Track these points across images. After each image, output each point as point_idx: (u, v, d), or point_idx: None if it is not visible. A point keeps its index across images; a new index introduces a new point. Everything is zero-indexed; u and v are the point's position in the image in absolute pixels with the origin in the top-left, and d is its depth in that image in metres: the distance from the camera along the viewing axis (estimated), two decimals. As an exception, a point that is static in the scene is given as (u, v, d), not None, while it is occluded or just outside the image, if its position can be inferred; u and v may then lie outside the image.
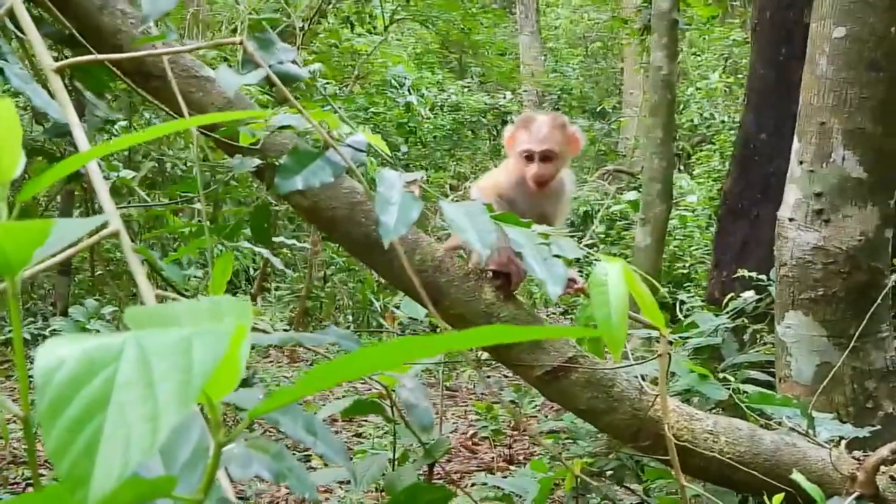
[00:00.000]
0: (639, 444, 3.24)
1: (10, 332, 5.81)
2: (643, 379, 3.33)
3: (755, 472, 3.16)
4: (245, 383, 5.83)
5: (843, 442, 3.39)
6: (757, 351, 5.02)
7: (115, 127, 7.81)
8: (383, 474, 3.60)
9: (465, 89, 18.58)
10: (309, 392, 0.87)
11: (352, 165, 2.08)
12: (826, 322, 4.10)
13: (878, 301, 4.06)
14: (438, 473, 3.51)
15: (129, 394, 0.71)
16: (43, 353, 0.72)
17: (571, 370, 3.10)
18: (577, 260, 2.05)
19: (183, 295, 3.00)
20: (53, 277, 8.90)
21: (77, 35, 2.93)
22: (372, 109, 13.71)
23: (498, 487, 4.68)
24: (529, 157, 3.23)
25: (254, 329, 2.26)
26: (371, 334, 9.96)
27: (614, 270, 1.72)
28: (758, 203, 6.75)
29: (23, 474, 5.89)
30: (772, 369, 4.44)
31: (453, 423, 7.36)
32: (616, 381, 3.15)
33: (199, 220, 2.72)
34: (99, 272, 9.49)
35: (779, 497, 2.94)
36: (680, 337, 4.98)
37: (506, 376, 7.68)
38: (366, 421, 7.07)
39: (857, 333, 4.02)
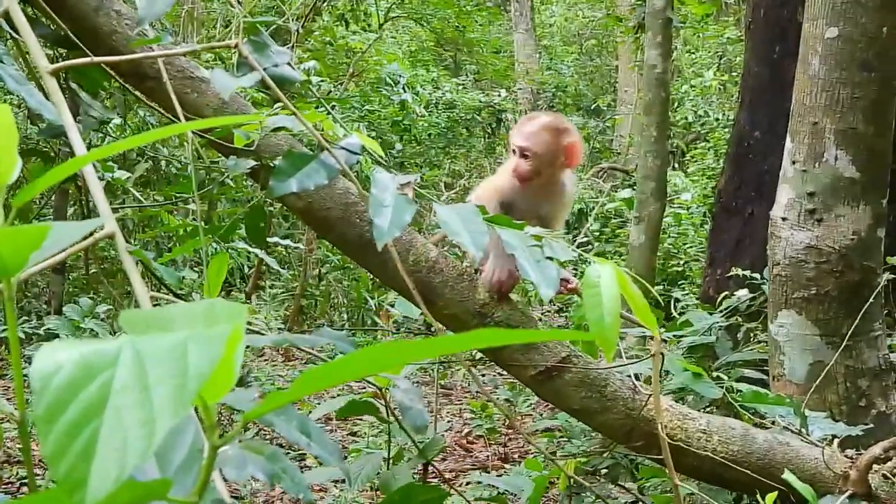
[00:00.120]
0: (632, 444, 3.25)
1: (4, 331, 5.81)
2: (637, 378, 3.34)
3: (748, 471, 3.18)
4: (240, 382, 5.84)
5: (836, 440, 3.40)
6: (751, 349, 5.03)
7: (110, 126, 7.82)
8: (378, 473, 3.61)
9: (460, 87, 18.58)
10: (304, 394, 0.88)
11: (346, 168, 2.09)
12: (819, 321, 4.11)
13: (871, 300, 4.07)
14: (433, 472, 3.52)
15: (125, 398, 0.71)
16: (41, 357, 0.73)
17: (565, 370, 3.11)
18: (573, 259, 2.06)
19: (178, 295, 3.01)
20: (48, 276, 8.89)
21: (72, 36, 2.93)
22: (367, 107, 13.71)
23: (493, 486, 4.69)
24: (514, 151, 3.27)
25: (249, 329, 2.27)
26: (366, 333, 9.97)
27: (606, 272, 1.73)
28: (752, 201, 6.76)
29: (17, 474, 5.89)
30: (765, 368, 4.45)
31: (448, 421, 7.38)
32: (609, 381, 3.16)
33: (194, 220, 2.73)
34: (93, 271, 9.48)
35: (772, 496, 2.95)
36: (674, 335, 4.99)
37: (500, 375, 7.69)
38: (360, 420, 7.07)
39: (849, 332, 4.04)
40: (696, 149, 15.28)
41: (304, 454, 6.13)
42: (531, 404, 7.14)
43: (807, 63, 4.16)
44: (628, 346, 6.39)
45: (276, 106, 2.36)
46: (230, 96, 2.45)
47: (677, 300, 6.37)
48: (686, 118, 16.09)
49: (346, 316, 10.63)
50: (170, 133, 1.07)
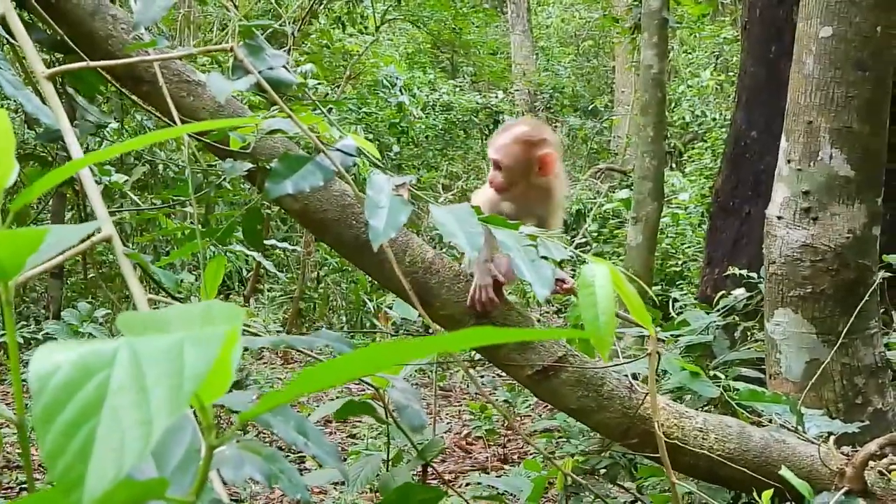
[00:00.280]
0: (629, 442, 3.26)
1: (2, 336, 5.81)
2: (636, 377, 3.35)
3: (745, 469, 3.19)
4: (238, 385, 5.83)
5: (832, 438, 3.42)
6: (748, 348, 5.04)
7: (107, 130, 7.82)
8: (377, 475, 3.62)
9: (457, 89, 18.58)
10: (300, 394, 0.89)
11: (341, 170, 2.10)
12: (815, 319, 4.12)
13: (867, 298, 4.08)
14: (433, 474, 3.52)
15: (122, 398, 0.72)
16: (38, 358, 0.73)
17: (562, 369, 3.12)
18: (570, 259, 2.07)
19: (176, 298, 3.01)
20: (46, 280, 8.90)
21: (69, 41, 2.94)
22: (364, 110, 13.71)
23: (492, 487, 4.70)
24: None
25: (246, 331, 2.28)
26: (365, 335, 9.97)
27: (601, 272, 1.74)
28: (749, 200, 6.77)
29: (17, 479, 5.89)
30: (763, 366, 4.46)
31: (447, 422, 7.38)
32: (606, 380, 3.17)
33: (192, 224, 2.74)
34: (91, 275, 9.49)
35: (768, 493, 2.96)
36: (671, 335, 5.00)
37: (499, 376, 7.69)
38: (360, 422, 7.08)
39: (845, 330, 4.05)
40: (693, 149, 15.29)
41: (304, 458, 6.14)
42: (530, 405, 7.15)
43: (801, 62, 4.18)
44: (626, 345, 6.40)
45: (273, 108, 2.37)
46: (226, 100, 2.46)
47: (675, 300, 6.37)
48: (683, 118, 16.11)
49: (344, 318, 10.63)
50: (166, 136, 1.08)
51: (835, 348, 4.03)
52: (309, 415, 3.89)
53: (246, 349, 5.88)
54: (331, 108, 8.08)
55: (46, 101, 1.65)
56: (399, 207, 1.92)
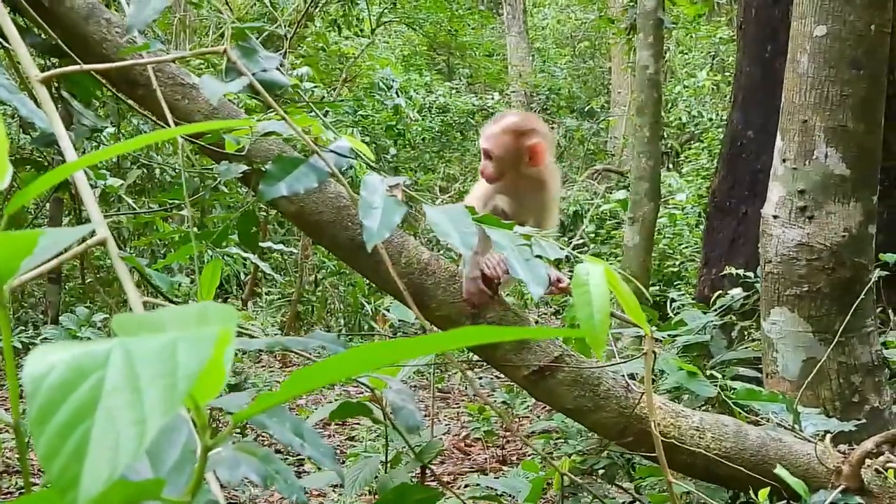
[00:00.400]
0: (626, 442, 3.27)
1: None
2: (634, 377, 3.35)
3: (741, 468, 3.19)
4: (236, 388, 5.82)
5: (829, 436, 3.42)
6: (745, 348, 5.04)
7: (104, 134, 7.82)
8: (376, 477, 3.62)
9: (454, 91, 18.60)
10: (295, 394, 0.89)
11: (335, 171, 2.10)
12: (811, 318, 4.13)
13: (863, 296, 4.09)
14: (431, 475, 3.53)
15: (116, 399, 0.72)
16: (32, 359, 0.74)
17: (558, 370, 3.13)
18: (568, 259, 2.07)
19: (172, 302, 3.02)
20: (44, 285, 8.89)
21: (63, 45, 2.95)
22: (360, 112, 13.72)
23: (490, 488, 4.70)
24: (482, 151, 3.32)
25: (243, 334, 2.28)
26: (363, 337, 9.96)
27: (596, 271, 1.74)
28: (746, 200, 6.78)
29: (16, 483, 5.89)
30: (760, 365, 4.46)
31: (446, 424, 7.38)
32: (602, 380, 3.18)
33: (188, 227, 2.74)
34: (89, 280, 9.49)
35: (765, 492, 2.97)
36: (669, 335, 5.00)
37: (497, 377, 7.69)
38: (358, 424, 7.08)
39: (841, 328, 4.05)
40: (690, 149, 15.30)
41: (303, 460, 6.14)
42: (528, 406, 7.14)
43: (796, 61, 4.18)
44: (624, 345, 6.40)
45: (269, 111, 2.37)
46: (220, 102, 2.47)
47: (673, 300, 6.37)
48: (680, 119, 16.12)
49: (342, 321, 10.63)
50: (160, 138, 1.09)
51: (831, 347, 4.04)
52: (307, 417, 3.89)
53: (244, 352, 5.90)
54: (327, 111, 8.08)
55: (41, 105, 1.66)
56: (393, 208, 1.92)
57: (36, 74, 1.67)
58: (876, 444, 3.26)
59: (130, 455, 0.70)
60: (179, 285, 7.47)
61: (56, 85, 3.20)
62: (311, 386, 0.86)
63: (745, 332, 5.25)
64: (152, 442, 0.71)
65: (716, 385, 3.68)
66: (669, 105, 16.21)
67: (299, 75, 10.00)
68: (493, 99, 18.58)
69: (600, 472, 4.42)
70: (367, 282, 9.44)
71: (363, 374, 2.13)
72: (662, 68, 10.12)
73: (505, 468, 6.32)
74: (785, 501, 3.19)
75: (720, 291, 5.55)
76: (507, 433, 6.95)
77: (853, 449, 3.29)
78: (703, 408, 4.02)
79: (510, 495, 4.72)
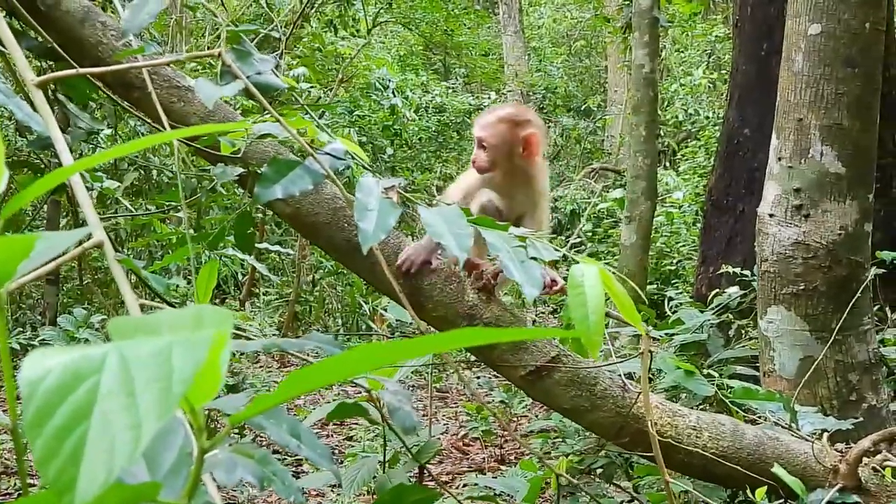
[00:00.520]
0: (623, 441, 3.27)
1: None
2: (631, 377, 3.35)
3: (739, 467, 3.19)
4: (234, 389, 5.81)
5: (826, 435, 3.42)
6: (742, 346, 5.05)
7: (100, 136, 7.83)
8: (374, 477, 3.62)
9: (450, 90, 18.61)
10: (292, 395, 0.89)
11: (330, 173, 2.11)
12: (808, 316, 4.13)
13: (859, 294, 4.09)
14: (429, 475, 3.53)
15: (111, 402, 0.73)
16: (29, 363, 0.74)
17: (555, 370, 3.13)
18: (565, 259, 2.07)
19: (170, 304, 3.02)
20: (42, 287, 8.88)
21: (58, 49, 2.95)
22: (357, 112, 13.72)
23: (488, 487, 4.70)
24: (475, 141, 3.30)
25: (240, 335, 2.29)
26: (360, 337, 9.96)
27: (591, 272, 1.75)
28: (742, 198, 6.79)
29: (15, 485, 5.89)
30: (757, 364, 4.47)
31: (444, 424, 7.38)
32: (599, 380, 3.18)
33: (185, 229, 2.75)
34: (87, 281, 9.48)
35: (762, 490, 2.97)
36: (666, 334, 5.01)
37: (495, 377, 7.70)
38: (356, 424, 7.08)
39: (838, 327, 4.06)
40: (686, 147, 15.31)
41: (301, 461, 6.14)
42: (526, 406, 7.15)
43: (791, 60, 4.19)
44: (622, 345, 6.41)
45: (264, 113, 2.38)
46: (215, 105, 2.47)
47: (670, 299, 6.38)
48: (676, 117, 16.13)
49: (340, 321, 10.62)
50: (154, 142, 1.09)
51: (828, 345, 4.04)
52: (305, 418, 3.89)
53: (242, 353, 5.89)
54: (323, 112, 8.08)
55: (37, 108, 1.66)
56: (388, 210, 1.93)
57: (32, 78, 1.68)
58: (873, 442, 3.26)
59: (126, 458, 0.71)
60: (177, 287, 7.48)
61: (52, 88, 3.20)
62: (309, 387, 0.86)
63: (743, 331, 5.26)
64: (148, 444, 0.72)
65: (713, 384, 3.69)
66: (666, 103, 16.22)
67: (296, 76, 10.01)
68: (489, 98, 18.58)
69: (598, 471, 4.43)
70: (365, 282, 9.44)
71: (360, 375, 2.13)
72: (658, 66, 10.14)
73: (503, 467, 6.33)
74: (782, 500, 3.19)
75: (717, 290, 5.57)
76: (505, 432, 6.95)
77: (850, 447, 3.30)
78: (701, 407, 4.03)
79: (508, 495, 4.72)
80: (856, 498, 3.17)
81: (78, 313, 6.23)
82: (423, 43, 21.51)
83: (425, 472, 3.49)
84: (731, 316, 5.37)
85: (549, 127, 19.81)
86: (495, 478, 5.36)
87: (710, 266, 7.02)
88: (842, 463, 3.21)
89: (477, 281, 3.11)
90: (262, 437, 6.21)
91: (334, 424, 7.19)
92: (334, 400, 6.51)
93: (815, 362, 4.02)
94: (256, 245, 4.86)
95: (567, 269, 1.87)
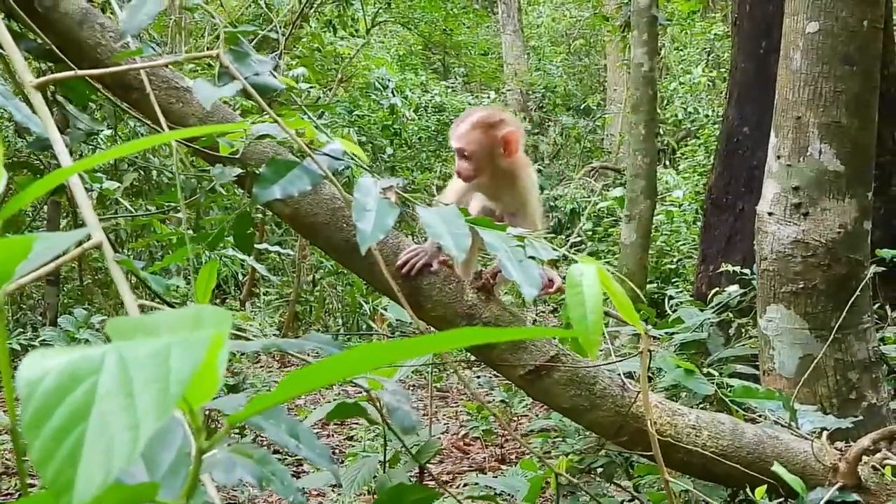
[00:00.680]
0: (622, 441, 3.27)
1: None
2: (631, 376, 3.35)
3: (738, 466, 3.19)
4: (235, 389, 5.81)
5: (826, 433, 3.42)
6: (742, 345, 5.05)
7: (100, 137, 7.83)
8: (374, 477, 3.62)
9: (449, 90, 18.60)
10: (291, 395, 0.89)
11: (328, 174, 2.11)
12: (808, 315, 4.13)
13: (858, 292, 4.09)
14: (429, 475, 3.53)
15: (110, 403, 0.73)
16: (27, 364, 0.74)
17: (554, 369, 3.13)
18: (565, 258, 2.07)
19: (170, 304, 3.02)
20: (42, 287, 8.88)
21: (57, 50, 2.95)
22: (356, 112, 13.72)
23: (489, 487, 4.71)
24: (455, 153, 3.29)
25: (241, 335, 2.29)
26: (361, 337, 9.96)
27: (589, 271, 1.75)
28: (742, 196, 6.79)
29: (15, 485, 5.90)
30: (757, 362, 4.47)
31: (445, 423, 7.38)
32: (598, 379, 3.18)
33: (184, 229, 2.75)
34: (87, 281, 9.49)
35: (762, 489, 2.97)
36: (666, 333, 5.01)
37: (496, 376, 7.70)
38: (357, 424, 7.08)
39: (838, 325, 4.06)
40: (686, 146, 15.31)
41: (301, 461, 6.15)
42: (527, 405, 7.15)
43: (789, 58, 4.19)
44: (622, 344, 6.41)
45: (263, 114, 2.38)
46: (214, 105, 2.47)
47: (671, 297, 6.39)
48: (676, 115, 16.13)
49: (340, 321, 10.62)
50: (153, 143, 1.09)
51: (827, 343, 4.04)
52: (305, 418, 3.90)
53: (242, 353, 5.90)
54: (322, 112, 8.07)
55: (35, 110, 1.66)
56: (386, 210, 1.93)
57: (31, 80, 1.68)
58: (873, 440, 3.26)
59: (124, 459, 0.71)
60: (177, 287, 7.48)
61: (51, 90, 3.21)
62: (308, 387, 0.86)
63: (743, 330, 5.26)
64: (147, 445, 0.72)
65: (713, 383, 3.69)
66: (665, 102, 16.21)
67: (295, 76, 10.01)
68: (488, 97, 18.58)
69: (598, 470, 4.43)
70: (365, 282, 9.44)
71: (360, 375, 2.13)
72: (657, 65, 10.14)
73: (504, 467, 6.33)
74: (782, 499, 3.20)
75: (717, 288, 5.57)
76: (506, 432, 6.96)
77: (850, 446, 3.30)
78: (701, 406, 4.03)
79: (509, 494, 4.73)
80: (855, 496, 3.17)
81: (78, 314, 6.23)
82: (422, 42, 21.51)
83: (426, 471, 3.49)
84: (730, 314, 5.37)
85: (548, 126, 19.84)
86: (496, 477, 5.36)
87: (710, 264, 7.02)
88: (841, 461, 3.21)
89: (476, 280, 3.11)
90: (263, 437, 6.21)
91: (335, 424, 7.20)
92: (335, 400, 6.51)
93: (815, 361, 4.02)
94: (256, 245, 4.86)
95: (567, 269, 1.88)
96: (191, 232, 2.56)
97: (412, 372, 7.35)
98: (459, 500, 3.23)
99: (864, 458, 3.24)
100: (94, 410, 0.73)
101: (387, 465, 3.72)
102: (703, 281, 7.04)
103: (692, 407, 3.64)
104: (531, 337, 3.17)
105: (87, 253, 1.41)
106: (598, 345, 1.82)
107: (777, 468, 3.01)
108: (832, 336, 4.04)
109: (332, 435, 7.15)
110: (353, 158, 2.27)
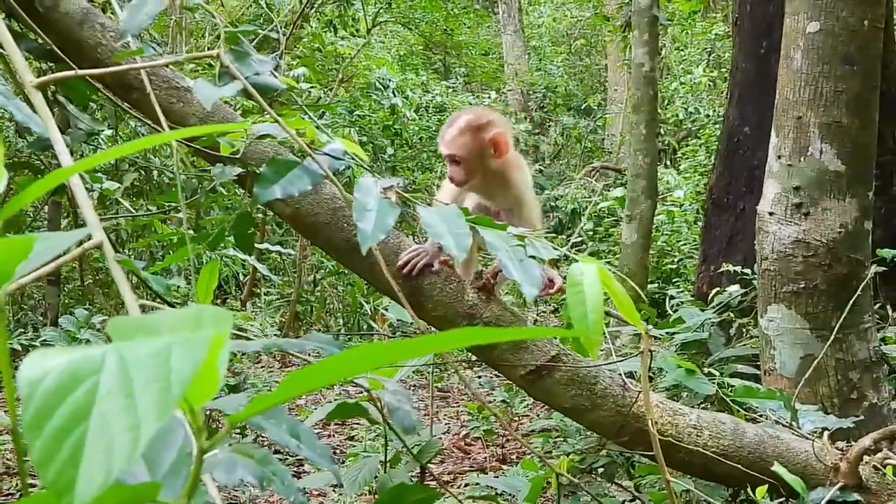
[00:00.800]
0: (623, 441, 3.27)
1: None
2: (632, 376, 3.35)
3: (739, 465, 3.19)
4: (236, 389, 5.80)
5: (827, 433, 3.42)
6: (743, 345, 5.05)
7: (101, 137, 7.83)
8: (375, 477, 3.62)
9: (450, 90, 18.60)
10: (292, 395, 0.89)
11: (328, 174, 2.11)
12: (808, 314, 4.13)
13: (859, 292, 4.09)
14: (430, 475, 3.53)
15: (110, 403, 0.73)
16: (28, 364, 0.74)
17: (555, 369, 3.13)
18: (566, 258, 2.07)
19: (170, 304, 3.02)
20: (43, 287, 8.88)
21: (57, 50, 2.95)
22: (357, 112, 13.72)
23: (490, 487, 4.71)
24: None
25: (241, 335, 2.29)
26: (361, 337, 9.96)
27: (590, 271, 1.75)
28: (743, 196, 6.79)
29: (16, 485, 5.90)
30: (758, 362, 4.47)
31: (446, 423, 7.39)
32: (599, 379, 3.18)
33: (185, 229, 2.75)
34: (88, 282, 9.49)
35: (762, 489, 2.97)
36: (667, 332, 5.01)
37: (497, 376, 7.70)
38: (358, 423, 7.08)
39: (839, 325, 4.06)
40: (687, 146, 15.30)
41: (303, 461, 6.15)
42: (528, 405, 7.16)
43: (789, 58, 4.19)
44: (623, 343, 6.41)
45: (263, 114, 2.38)
46: (214, 105, 2.46)
47: (671, 297, 6.39)
48: (677, 115, 16.13)
49: (341, 321, 10.62)
50: (154, 142, 1.09)
51: (828, 343, 4.04)
52: (306, 418, 3.90)
53: (243, 353, 5.90)
54: (323, 112, 8.07)
55: (36, 110, 1.66)
56: (387, 210, 1.93)
57: (31, 80, 1.68)
58: (874, 440, 3.26)
59: (125, 459, 0.71)
60: (178, 288, 7.47)
61: (52, 89, 3.21)
62: (309, 387, 0.86)
63: (744, 329, 5.25)
64: (148, 445, 0.72)
65: (714, 383, 3.69)
66: (666, 102, 16.22)
67: (296, 76, 10.01)
68: (489, 98, 18.58)
69: (599, 470, 4.43)
70: (365, 282, 9.43)
71: (361, 375, 2.13)
72: (658, 65, 10.14)
73: (505, 467, 6.33)
74: (783, 499, 3.20)
75: (718, 288, 5.56)
76: (507, 432, 6.96)
77: (851, 446, 3.30)
78: (702, 405, 4.03)
79: (510, 494, 4.73)
80: (856, 496, 3.17)
81: (79, 314, 6.23)
82: (422, 42, 21.51)
83: (427, 471, 3.49)
84: (731, 314, 5.37)
85: (549, 126, 19.84)
86: (497, 477, 5.36)
87: (710, 264, 7.02)
88: (842, 461, 3.21)
89: (476, 280, 3.11)
90: (264, 437, 6.21)
91: (336, 424, 7.20)
92: (336, 400, 6.51)
93: (816, 361, 4.02)
94: (257, 245, 4.86)
95: (568, 268, 1.88)
96: (191, 232, 2.56)
97: (413, 372, 7.36)
98: (460, 500, 3.23)
99: (865, 458, 3.24)
100: (94, 410, 0.72)
101: (388, 465, 3.71)
102: (704, 281, 7.04)
103: (693, 407, 3.63)
104: (532, 337, 3.17)
105: (88, 253, 1.41)
106: (599, 345, 1.82)
107: (778, 468, 3.00)
108: (833, 336, 4.03)
109: (333, 435, 7.15)
110: (353, 158, 2.27)
